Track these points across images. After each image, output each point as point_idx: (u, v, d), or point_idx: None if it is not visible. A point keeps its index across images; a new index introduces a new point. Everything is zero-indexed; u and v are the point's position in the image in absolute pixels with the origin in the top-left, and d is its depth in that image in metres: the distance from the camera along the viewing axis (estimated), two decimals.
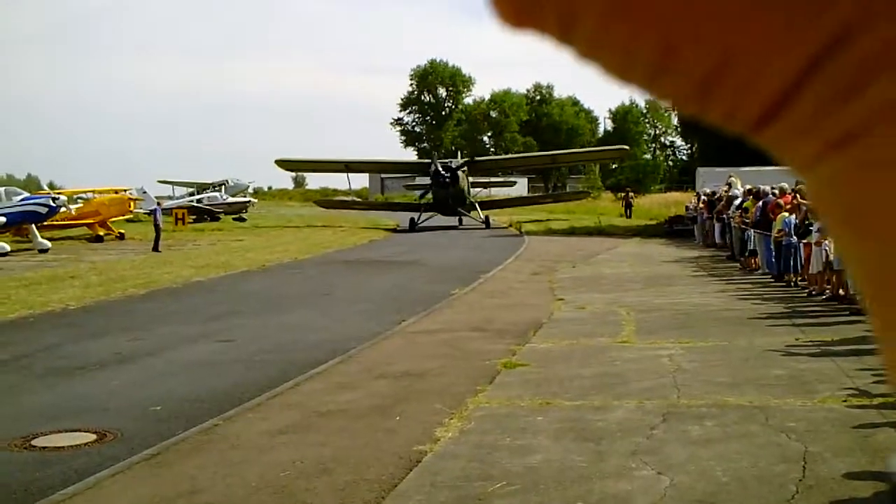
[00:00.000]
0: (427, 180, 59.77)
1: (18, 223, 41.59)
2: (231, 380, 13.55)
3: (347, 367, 14.03)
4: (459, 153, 70.49)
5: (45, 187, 59.02)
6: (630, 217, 60.49)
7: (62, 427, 10.93)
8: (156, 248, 40.72)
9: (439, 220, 58.44)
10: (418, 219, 57.58)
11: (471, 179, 61.17)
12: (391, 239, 49.42)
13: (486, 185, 72.64)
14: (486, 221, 57.28)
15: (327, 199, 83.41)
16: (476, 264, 31.22)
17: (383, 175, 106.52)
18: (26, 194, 44.93)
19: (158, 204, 51.98)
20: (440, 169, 57.04)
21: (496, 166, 79.72)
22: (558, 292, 22.86)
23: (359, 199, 78.25)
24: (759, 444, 9.18)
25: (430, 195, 59.59)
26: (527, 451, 9.19)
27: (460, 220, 59.25)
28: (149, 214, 49.17)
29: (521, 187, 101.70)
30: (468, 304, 21.38)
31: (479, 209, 59.34)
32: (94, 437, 10.50)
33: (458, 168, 57.63)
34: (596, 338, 16.00)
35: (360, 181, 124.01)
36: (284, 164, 65.97)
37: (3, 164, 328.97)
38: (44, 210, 42.01)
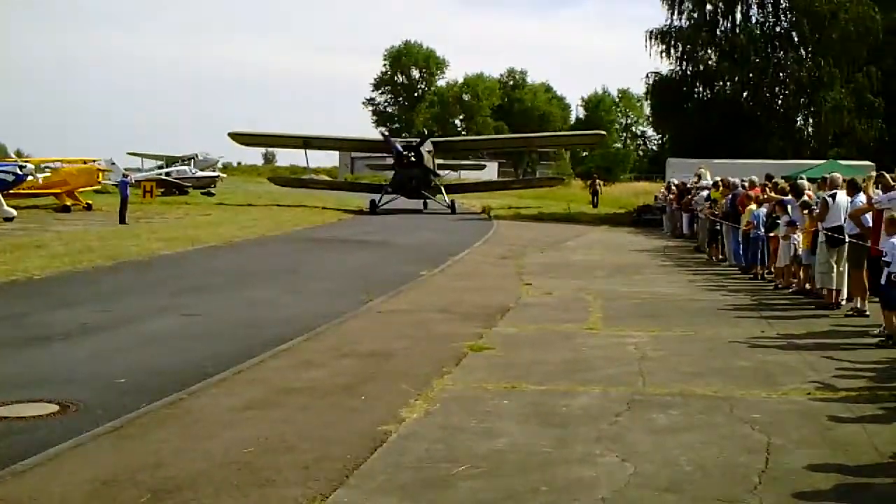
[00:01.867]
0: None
1: None
2: (196, 354, 13.47)
3: (314, 345, 14.00)
4: (426, 133, 68.57)
5: (13, 155, 58.48)
6: (597, 206, 59.94)
7: (25, 397, 10.83)
8: (122, 220, 40.53)
9: (403, 202, 56.64)
10: (379, 201, 55.53)
11: (438, 161, 59.52)
12: (359, 219, 49.25)
13: (455, 168, 71.94)
14: (452, 206, 55.32)
15: (282, 177, 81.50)
16: (444, 246, 31.26)
17: (354, 154, 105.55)
18: None
19: (125, 176, 51.66)
20: (403, 149, 54.95)
21: (466, 147, 78.63)
22: (526, 277, 22.88)
23: (316, 178, 76.42)
24: (724, 434, 9.21)
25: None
26: (492, 434, 9.18)
27: (425, 204, 57.62)
28: (117, 186, 48.87)
29: (491, 172, 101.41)
30: (436, 286, 21.38)
31: (444, 192, 57.44)
32: (57, 408, 10.40)
33: (423, 147, 55.49)
34: (563, 324, 16.01)
35: (331, 160, 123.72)
36: (239, 137, 63.57)
37: None
38: (11, 178, 41.75)
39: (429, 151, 55.76)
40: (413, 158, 53.96)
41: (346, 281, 22.47)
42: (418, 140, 57.90)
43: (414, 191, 56.19)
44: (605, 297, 19.25)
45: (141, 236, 32.78)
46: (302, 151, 62.79)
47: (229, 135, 61.46)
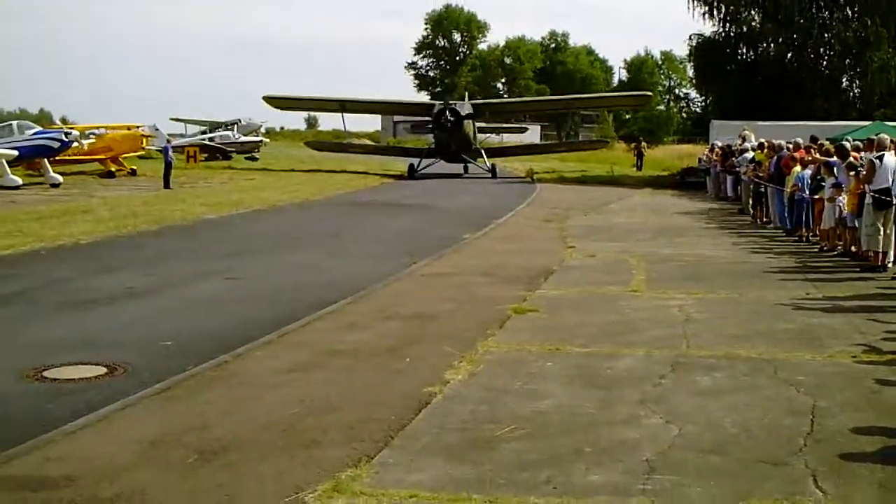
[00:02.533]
0: None
1: (31, 157, 41.66)
2: (241, 317, 13.56)
3: (357, 308, 14.06)
4: (467, 96, 66.67)
5: (58, 122, 58.89)
6: (641, 169, 59.19)
7: (73, 360, 10.95)
8: (167, 185, 40.80)
9: (443, 167, 54.99)
10: (418, 165, 54.47)
11: (480, 125, 58.12)
12: (401, 183, 49.00)
13: (497, 131, 71.05)
14: (493, 170, 53.60)
15: (319, 141, 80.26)
16: (487, 210, 31.24)
17: (396, 118, 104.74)
18: (39, 128, 44.84)
19: (169, 141, 51.93)
20: (440, 111, 52.71)
21: (507, 109, 77.19)
22: (569, 240, 22.85)
23: (354, 142, 74.77)
24: (768, 396, 9.18)
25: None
26: (536, 395, 9.20)
27: (466, 168, 56.09)
28: (160, 151, 49.14)
29: (533, 135, 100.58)
30: (479, 249, 21.39)
31: (485, 156, 55.52)
32: (104, 370, 10.51)
33: (464, 110, 53.29)
34: (606, 286, 16.00)
35: (373, 124, 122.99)
36: (274, 100, 61.85)
37: (16, 98, 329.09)
38: (56, 144, 41.98)
39: (468, 114, 53.86)
40: (452, 121, 52.00)
41: (389, 244, 22.51)
42: (458, 103, 55.73)
43: (453, 155, 54.64)
44: (649, 260, 19.19)
45: (185, 201, 33.03)
46: (346, 115, 61.39)
47: (264, 98, 60.14)
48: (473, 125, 55.46)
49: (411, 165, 54.10)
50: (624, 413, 8.64)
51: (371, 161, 64.36)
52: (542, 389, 9.44)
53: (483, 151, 56.51)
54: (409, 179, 51.70)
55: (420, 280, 16.95)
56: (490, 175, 52.82)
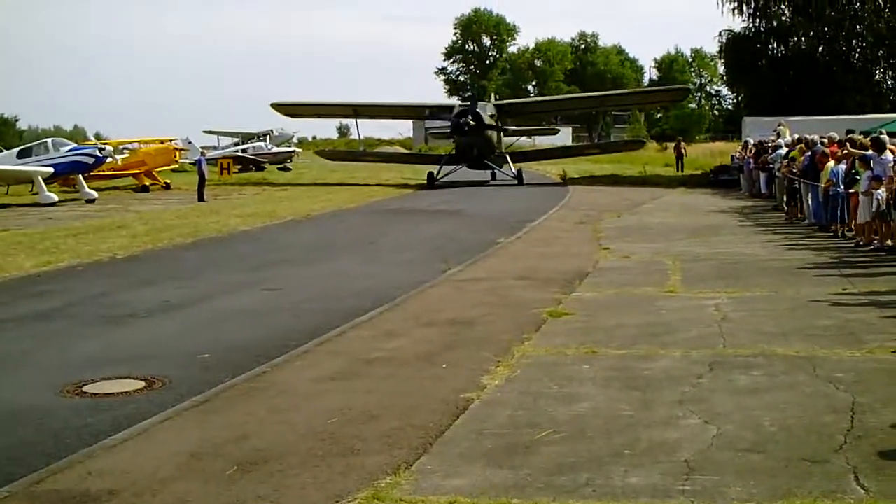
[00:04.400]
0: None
1: (66, 173, 42.10)
2: (278, 328, 13.63)
3: (394, 315, 14.08)
4: (493, 97, 63.41)
5: (92, 138, 59.44)
6: (682, 170, 56.95)
7: (112, 374, 11.04)
8: (201, 198, 41.00)
9: (466, 174, 51.24)
10: (438, 173, 50.75)
11: (508, 127, 55.89)
12: (432, 191, 48.34)
13: (527, 133, 69.89)
14: (519, 176, 49.67)
15: (331, 150, 78.36)
16: (520, 214, 31.18)
17: (427, 124, 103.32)
18: (73, 145, 45.30)
19: (203, 154, 52.18)
20: (459, 114, 48.94)
21: (534, 109, 74.98)
22: (604, 241, 22.79)
23: (368, 150, 71.16)
24: (807, 394, 9.13)
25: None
26: (573, 399, 9.19)
27: (493, 175, 52.15)
28: (194, 164, 49.40)
29: (565, 137, 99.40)
30: (514, 253, 21.37)
31: (510, 161, 51.55)
32: (143, 384, 10.59)
33: (485, 111, 50.02)
34: (642, 287, 15.94)
35: (406, 130, 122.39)
36: (283, 107, 58.34)
37: (50, 115, 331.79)
38: (90, 160, 42.42)
39: (491, 115, 50.70)
40: (472, 124, 48.07)
41: (423, 250, 22.56)
42: (479, 103, 52.16)
43: (477, 160, 50.65)
44: (684, 260, 19.12)
45: (219, 213, 33.22)
46: (377, 122, 59.83)
47: (272, 105, 57.01)
48: (498, 127, 52.51)
49: (430, 174, 50.98)
50: (662, 414, 8.61)
51: (404, 168, 63.18)
52: (579, 392, 9.42)
53: (508, 156, 52.79)
54: (429, 189, 48.50)
55: (456, 285, 16.94)
56: (516, 182, 49.55)
